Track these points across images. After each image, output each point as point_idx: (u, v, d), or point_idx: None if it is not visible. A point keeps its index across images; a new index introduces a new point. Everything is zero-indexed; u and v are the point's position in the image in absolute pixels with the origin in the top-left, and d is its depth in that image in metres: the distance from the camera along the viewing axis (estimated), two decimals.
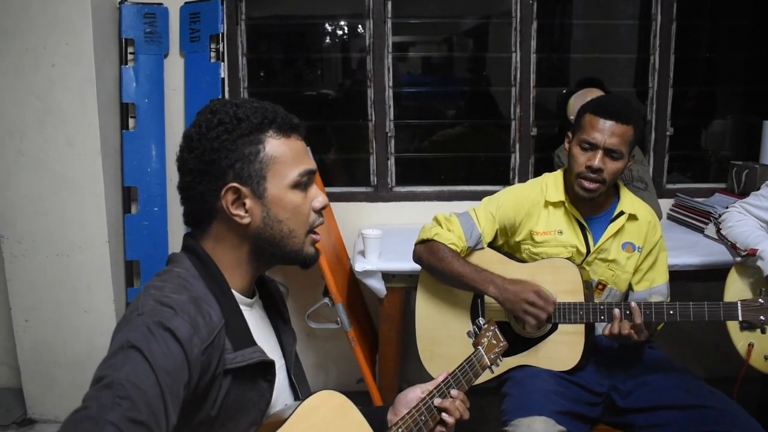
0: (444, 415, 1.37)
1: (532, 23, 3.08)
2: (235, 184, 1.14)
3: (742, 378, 2.02)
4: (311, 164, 1.22)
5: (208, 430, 1.11)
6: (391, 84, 3.12)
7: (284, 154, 1.17)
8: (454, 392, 1.42)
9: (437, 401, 1.38)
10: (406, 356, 2.83)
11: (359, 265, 2.47)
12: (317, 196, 1.23)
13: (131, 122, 3.01)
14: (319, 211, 1.24)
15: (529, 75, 3.12)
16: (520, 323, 2.01)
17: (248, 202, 1.16)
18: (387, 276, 2.50)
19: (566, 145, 2.05)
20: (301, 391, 1.34)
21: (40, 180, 2.81)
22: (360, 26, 3.20)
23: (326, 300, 2.58)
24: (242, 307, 1.20)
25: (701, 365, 3.25)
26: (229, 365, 1.10)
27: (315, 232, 1.25)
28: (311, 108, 3.38)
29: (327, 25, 3.34)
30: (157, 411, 0.95)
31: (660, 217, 2.82)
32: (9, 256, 2.86)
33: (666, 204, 3.17)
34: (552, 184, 2.09)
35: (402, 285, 2.50)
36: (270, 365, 1.19)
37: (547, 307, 1.90)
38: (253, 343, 1.17)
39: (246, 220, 1.16)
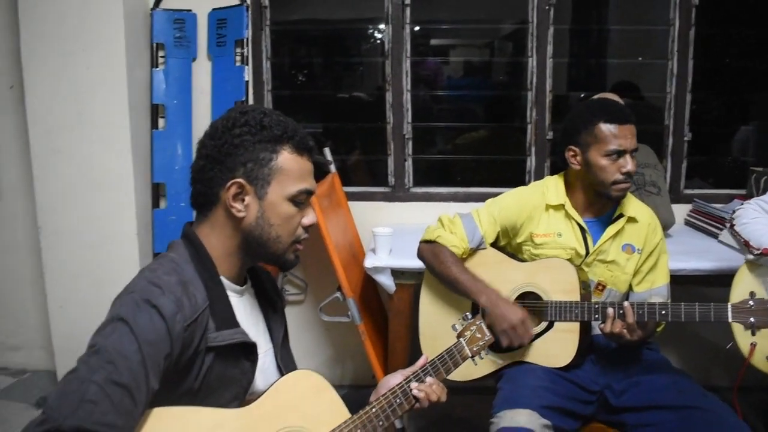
0: (415, 392, 1.44)
1: (548, 28, 3.12)
2: (241, 180, 1.26)
3: (760, 388, 1.98)
4: (312, 185, 1.34)
5: (192, 401, 1.22)
6: (409, 87, 3.20)
7: (292, 169, 1.29)
8: (429, 379, 1.49)
9: (413, 385, 1.45)
10: (416, 351, 2.89)
11: (369, 262, 2.56)
12: (309, 214, 1.35)
13: (161, 122, 3.17)
14: (306, 228, 1.35)
15: (545, 79, 3.17)
16: None
17: (248, 199, 1.28)
18: (397, 273, 2.57)
19: (573, 159, 2.05)
20: (287, 374, 1.44)
21: (76, 175, 2.99)
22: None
23: (338, 294, 2.67)
24: (230, 293, 1.31)
25: (726, 373, 3.22)
26: (211, 343, 1.22)
27: (300, 243, 1.36)
28: (342, 110, 3.50)
29: (359, 29, 3.45)
30: (137, 376, 1.08)
31: (672, 222, 2.81)
32: (46, 247, 3.05)
33: (684, 209, 3.17)
34: (552, 187, 2.14)
35: (411, 282, 2.57)
36: (252, 346, 1.29)
37: (523, 339, 1.96)
38: (236, 325, 1.28)
39: (241, 214, 1.28)
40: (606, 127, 1.97)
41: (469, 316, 1.71)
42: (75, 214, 3.02)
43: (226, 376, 1.26)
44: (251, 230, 1.29)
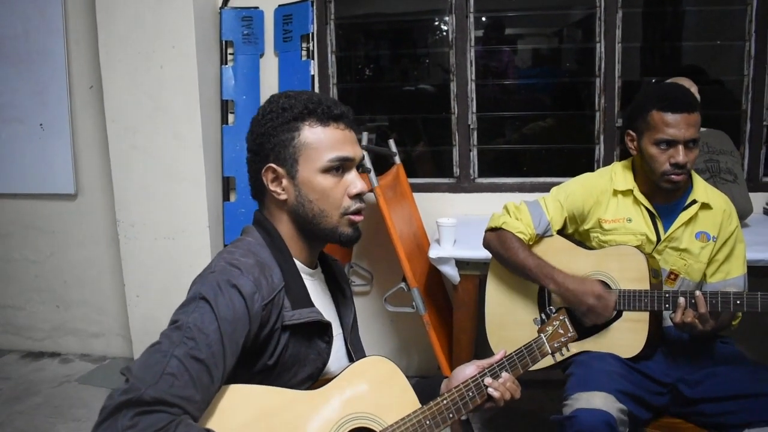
0: (491, 391, 1.42)
1: (617, 12, 3.04)
2: (273, 165, 1.30)
3: None
4: (348, 152, 1.31)
5: (267, 378, 1.25)
6: (473, 77, 3.18)
7: (318, 142, 1.29)
8: (504, 375, 1.45)
9: (487, 380, 1.42)
10: (482, 342, 2.87)
11: (433, 252, 2.57)
12: (354, 182, 1.32)
13: (230, 117, 3.27)
14: (356, 197, 1.33)
15: (614, 65, 3.09)
16: None
17: (284, 181, 1.31)
18: (461, 264, 2.56)
19: (630, 144, 2.03)
20: (356, 358, 1.44)
21: (151, 170, 3.12)
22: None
23: (402, 285, 2.69)
24: (303, 275, 1.34)
25: None
26: (287, 321, 1.25)
27: (355, 214, 1.34)
28: (408, 102, 3.51)
29: (424, 21, 3.46)
30: (216, 353, 1.12)
31: (750, 211, 2.70)
32: (123, 239, 3.20)
33: (762, 198, 3.02)
34: (620, 172, 2.09)
35: (476, 273, 2.56)
36: (327, 326, 1.31)
37: (605, 312, 1.92)
38: (311, 304, 1.30)
39: (283, 197, 1.31)
40: (658, 115, 1.91)
41: (553, 310, 1.66)
42: (150, 208, 3.16)
43: (300, 354, 1.28)
44: (296, 210, 1.31)
